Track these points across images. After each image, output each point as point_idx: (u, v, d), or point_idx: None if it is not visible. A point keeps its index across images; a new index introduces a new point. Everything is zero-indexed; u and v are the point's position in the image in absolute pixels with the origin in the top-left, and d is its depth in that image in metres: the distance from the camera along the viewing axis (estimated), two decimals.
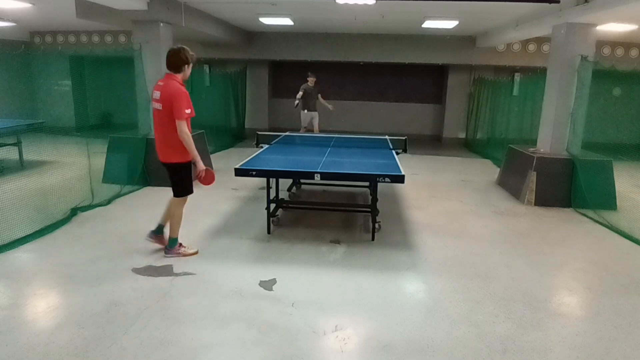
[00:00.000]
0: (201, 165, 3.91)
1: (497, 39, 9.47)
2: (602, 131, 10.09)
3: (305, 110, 9.43)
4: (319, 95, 9.57)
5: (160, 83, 3.87)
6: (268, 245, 4.55)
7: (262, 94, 12.81)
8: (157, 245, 4.26)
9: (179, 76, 3.87)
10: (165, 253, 4.13)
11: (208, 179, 3.99)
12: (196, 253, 4.20)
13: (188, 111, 3.74)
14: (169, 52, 3.86)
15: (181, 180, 3.99)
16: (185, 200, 4.08)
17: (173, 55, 3.83)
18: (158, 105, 3.81)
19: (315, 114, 9.59)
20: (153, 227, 4.25)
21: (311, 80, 9.34)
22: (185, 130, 3.72)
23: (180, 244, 4.17)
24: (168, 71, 3.87)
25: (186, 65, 3.87)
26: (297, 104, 9.02)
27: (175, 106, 3.69)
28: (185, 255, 4.13)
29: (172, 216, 4.09)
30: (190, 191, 4.06)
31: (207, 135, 7.95)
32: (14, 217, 4.56)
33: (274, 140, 6.46)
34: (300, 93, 9.03)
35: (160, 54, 6.65)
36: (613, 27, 7.11)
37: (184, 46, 3.88)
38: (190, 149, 3.81)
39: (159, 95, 3.79)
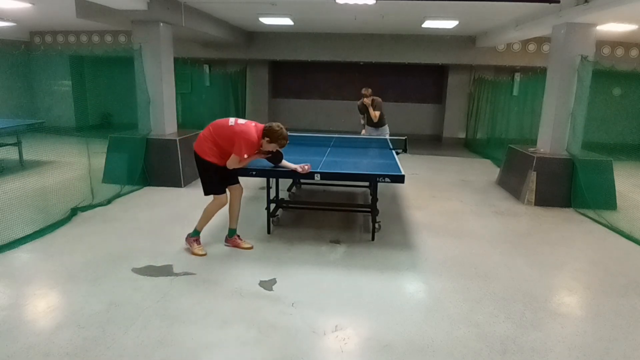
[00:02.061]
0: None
1: (497, 39, 9.47)
2: (602, 131, 10.09)
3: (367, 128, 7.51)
4: (371, 109, 7.23)
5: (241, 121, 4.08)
6: (268, 245, 4.55)
7: (262, 94, 12.81)
8: (176, 245, 4.34)
9: (261, 142, 4.01)
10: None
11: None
12: (204, 254, 4.25)
13: (245, 156, 3.98)
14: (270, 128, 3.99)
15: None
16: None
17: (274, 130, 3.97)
18: (233, 122, 4.03)
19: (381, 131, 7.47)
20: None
21: (366, 101, 7.10)
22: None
23: (197, 239, 4.30)
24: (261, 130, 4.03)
25: (266, 140, 3.98)
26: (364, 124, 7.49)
27: (236, 144, 3.90)
28: (193, 252, 4.23)
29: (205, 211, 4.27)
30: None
31: None
32: (14, 217, 4.56)
33: None
34: (361, 117, 7.45)
35: (160, 54, 6.66)
36: (613, 27, 7.10)
37: (278, 128, 3.98)
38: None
39: (234, 121, 4.05)
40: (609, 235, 5.15)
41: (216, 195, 4.15)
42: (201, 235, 4.30)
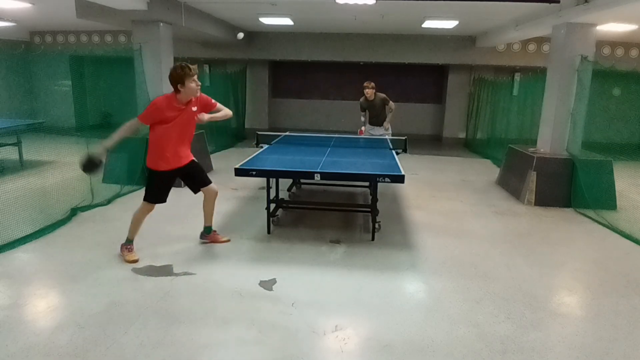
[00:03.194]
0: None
1: (497, 39, 9.47)
2: (602, 131, 10.09)
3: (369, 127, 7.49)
4: (387, 107, 7.29)
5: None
6: (268, 245, 4.55)
7: (262, 94, 12.82)
8: (201, 241, 4.48)
9: (178, 96, 3.83)
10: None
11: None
12: (135, 261, 4.06)
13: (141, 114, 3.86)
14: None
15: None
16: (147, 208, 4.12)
17: (170, 74, 3.81)
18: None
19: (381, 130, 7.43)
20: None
21: (368, 92, 7.09)
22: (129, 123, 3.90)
23: (130, 247, 4.15)
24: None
25: (179, 85, 3.76)
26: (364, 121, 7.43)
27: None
28: (124, 259, 4.06)
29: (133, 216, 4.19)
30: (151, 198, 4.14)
31: (207, 135, 7.96)
32: (14, 217, 4.55)
33: (274, 140, 6.46)
34: (362, 114, 7.38)
35: (160, 54, 6.66)
36: (613, 27, 7.11)
37: (183, 63, 3.78)
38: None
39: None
40: (609, 235, 5.15)
41: (145, 202, 4.10)
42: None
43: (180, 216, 5.32)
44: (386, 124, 7.33)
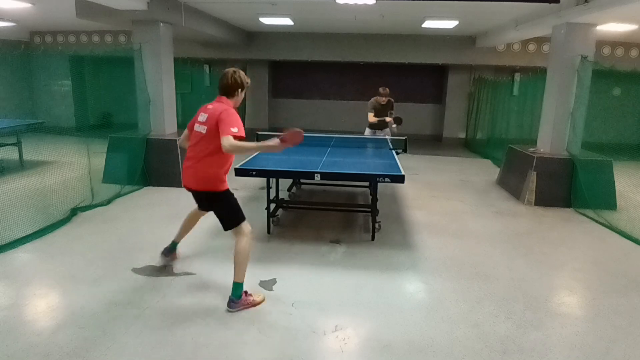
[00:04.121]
0: (273, 143, 3.29)
1: (497, 39, 9.47)
2: (602, 131, 10.09)
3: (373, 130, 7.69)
4: (390, 112, 7.58)
5: (210, 106, 3.36)
6: (268, 245, 4.55)
7: (262, 94, 12.81)
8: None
9: (232, 102, 3.41)
10: (230, 307, 3.24)
11: (295, 139, 3.34)
12: (264, 299, 3.42)
13: (235, 130, 3.11)
14: (223, 74, 3.41)
15: (231, 205, 3.36)
16: (248, 231, 3.32)
17: (226, 77, 3.37)
18: (202, 128, 3.27)
19: (387, 131, 7.72)
20: (167, 243, 4.01)
21: (383, 94, 7.32)
22: (232, 143, 3.04)
23: (246, 292, 3.34)
24: (220, 95, 3.41)
25: (239, 90, 3.41)
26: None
27: (223, 122, 3.12)
28: (254, 305, 3.32)
29: (241, 254, 3.25)
30: (244, 216, 3.36)
31: None
32: (14, 217, 4.56)
33: None
34: (371, 114, 7.37)
35: (160, 54, 6.67)
36: (613, 27, 7.10)
37: (239, 69, 3.46)
38: (251, 149, 3.45)
39: (205, 118, 3.28)
40: (609, 235, 5.15)
41: (243, 224, 3.32)
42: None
43: (180, 216, 5.27)
44: (392, 126, 7.54)
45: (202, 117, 3.34)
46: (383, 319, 3.20)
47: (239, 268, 3.26)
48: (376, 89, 7.40)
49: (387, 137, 7.35)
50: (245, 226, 3.32)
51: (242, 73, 3.45)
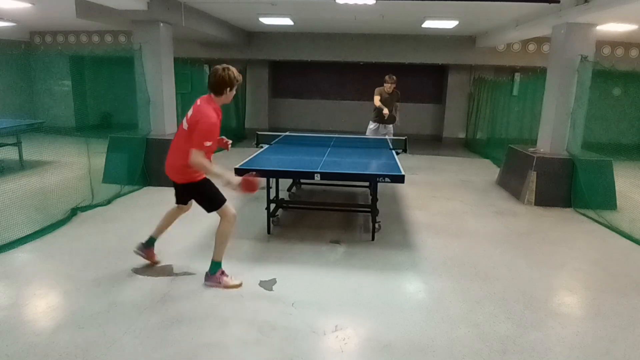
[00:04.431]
0: (232, 180, 3.34)
1: (497, 39, 9.47)
2: (602, 131, 10.09)
3: (377, 125, 7.48)
4: (395, 106, 7.50)
5: (198, 102, 3.41)
6: (268, 245, 4.55)
7: (262, 94, 12.81)
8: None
9: (220, 99, 3.42)
10: (205, 280, 3.58)
11: (249, 187, 3.38)
12: (240, 285, 3.60)
13: (208, 144, 3.26)
14: (212, 70, 3.40)
15: (207, 192, 3.49)
16: (231, 214, 3.49)
17: (214, 74, 3.35)
18: (184, 124, 3.39)
19: (391, 129, 7.58)
20: (144, 238, 3.92)
21: (389, 82, 7.33)
22: (199, 160, 3.22)
23: (223, 272, 3.60)
24: (209, 92, 3.43)
25: (228, 89, 3.38)
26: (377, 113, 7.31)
27: (199, 133, 3.22)
28: (227, 286, 3.55)
29: (220, 235, 3.52)
30: (224, 199, 3.48)
31: None
32: (14, 217, 4.56)
33: (274, 140, 6.46)
34: (377, 98, 7.17)
35: (160, 54, 6.67)
36: (613, 27, 7.11)
37: (230, 66, 3.40)
38: (211, 174, 3.39)
39: (190, 114, 3.38)
40: (609, 235, 5.15)
41: (224, 207, 3.46)
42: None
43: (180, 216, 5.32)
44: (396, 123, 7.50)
45: (190, 111, 3.44)
46: (383, 319, 3.20)
47: (219, 248, 3.56)
48: (376, 89, 7.39)
49: (387, 136, 7.32)
50: (228, 209, 3.48)
51: (233, 70, 3.39)
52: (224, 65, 3.40)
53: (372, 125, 7.58)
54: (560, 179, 6.20)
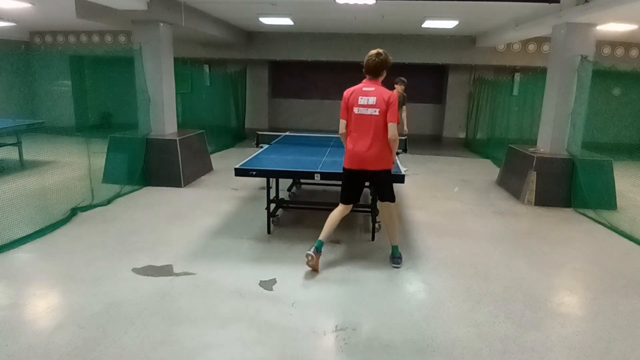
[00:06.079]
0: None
1: (497, 39, 9.47)
2: (602, 131, 10.08)
3: None
4: (404, 107, 7.51)
5: (369, 88, 3.77)
6: (268, 245, 4.55)
7: (262, 94, 12.82)
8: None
9: (379, 80, 3.81)
10: (394, 263, 4.06)
11: None
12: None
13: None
14: (372, 56, 3.75)
15: (392, 179, 4.02)
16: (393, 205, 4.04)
17: (373, 60, 3.73)
18: (374, 111, 3.71)
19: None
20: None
21: (402, 88, 7.50)
22: (396, 131, 3.76)
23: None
24: (367, 76, 3.82)
25: (384, 70, 3.78)
26: None
27: (391, 110, 3.69)
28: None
29: (393, 222, 4.08)
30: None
31: (207, 135, 7.96)
32: (14, 217, 4.56)
33: (274, 140, 6.46)
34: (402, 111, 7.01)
35: (160, 54, 6.67)
36: (613, 27, 7.11)
37: (381, 50, 3.79)
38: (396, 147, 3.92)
39: (375, 100, 3.70)
40: (609, 235, 5.15)
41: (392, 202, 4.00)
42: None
43: (180, 216, 5.33)
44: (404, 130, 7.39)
45: (363, 100, 3.73)
46: (383, 319, 3.20)
47: (396, 232, 4.14)
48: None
49: None
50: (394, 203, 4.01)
51: (385, 52, 3.76)
52: (378, 50, 3.75)
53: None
54: (560, 179, 6.20)
